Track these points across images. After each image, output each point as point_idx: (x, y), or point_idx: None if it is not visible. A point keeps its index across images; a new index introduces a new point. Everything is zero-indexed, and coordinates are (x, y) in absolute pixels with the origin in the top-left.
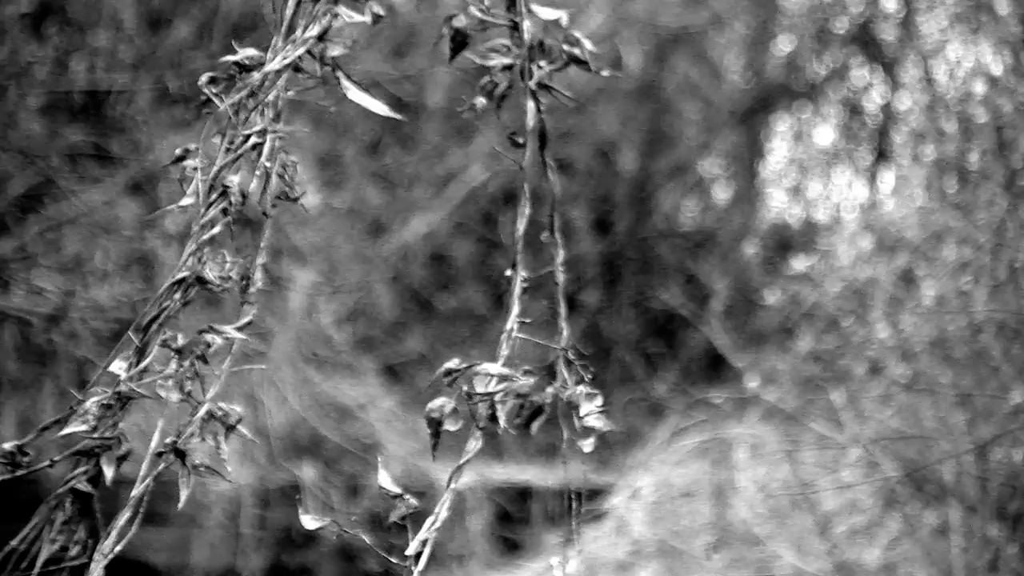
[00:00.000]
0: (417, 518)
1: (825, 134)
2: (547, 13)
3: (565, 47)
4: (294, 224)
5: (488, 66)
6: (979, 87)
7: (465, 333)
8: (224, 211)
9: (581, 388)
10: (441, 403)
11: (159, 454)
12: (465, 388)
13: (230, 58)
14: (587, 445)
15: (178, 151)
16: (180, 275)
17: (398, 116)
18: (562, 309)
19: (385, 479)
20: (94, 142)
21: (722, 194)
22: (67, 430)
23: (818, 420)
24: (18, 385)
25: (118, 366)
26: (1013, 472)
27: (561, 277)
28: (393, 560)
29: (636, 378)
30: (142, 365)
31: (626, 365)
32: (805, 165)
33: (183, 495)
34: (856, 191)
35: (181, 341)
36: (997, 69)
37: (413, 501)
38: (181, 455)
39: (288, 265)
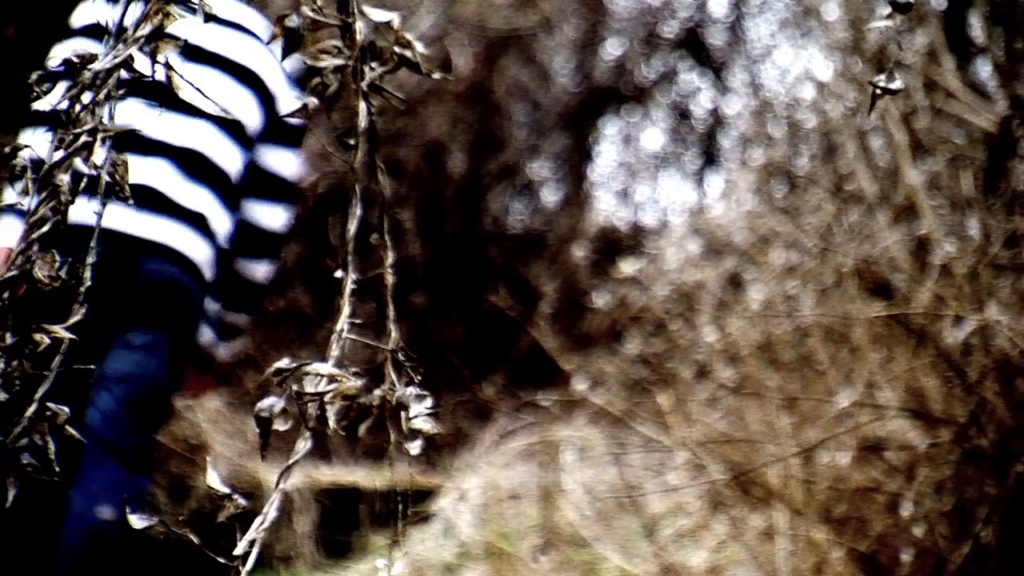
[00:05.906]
0: (245, 518)
1: (654, 137)
2: (379, 15)
3: (396, 49)
4: None
5: (319, 67)
6: (807, 92)
7: (293, 334)
8: (54, 210)
9: (410, 390)
10: (271, 403)
11: None
12: (295, 388)
13: (60, 56)
14: (415, 447)
15: (7, 149)
16: (10, 274)
17: (229, 115)
18: (391, 311)
19: (214, 479)
20: None
21: (551, 197)
22: None
23: (645, 423)
24: None
25: None
26: (839, 475)
27: (391, 279)
28: (220, 560)
29: (465, 380)
30: None
31: (455, 367)
32: (634, 168)
33: (11, 495)
34: (684, 195)
35: (9, 340)
36: (825, 74)
37: (241, 501)
38: (10, 455)
39: None
